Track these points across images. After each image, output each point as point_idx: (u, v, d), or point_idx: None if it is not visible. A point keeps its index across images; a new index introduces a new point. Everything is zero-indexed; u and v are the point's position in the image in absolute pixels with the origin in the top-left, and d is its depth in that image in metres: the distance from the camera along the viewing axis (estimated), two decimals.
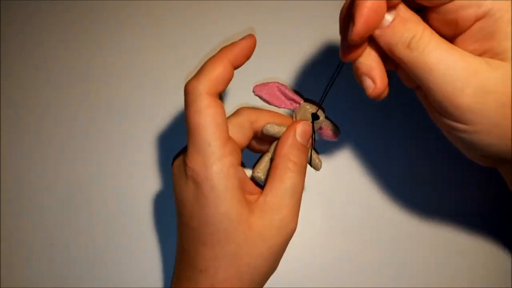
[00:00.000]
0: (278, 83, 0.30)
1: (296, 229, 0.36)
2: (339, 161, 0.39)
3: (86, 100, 0.42)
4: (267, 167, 0.29)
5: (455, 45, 0.22)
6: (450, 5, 0.22)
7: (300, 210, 0.38)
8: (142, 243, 0.37)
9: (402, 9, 0.22)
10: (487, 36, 0.21)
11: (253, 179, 0.29)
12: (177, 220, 0.28)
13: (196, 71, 0.26)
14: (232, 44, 0.27)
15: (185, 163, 0.26)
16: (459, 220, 0.38)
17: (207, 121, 0.25)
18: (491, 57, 0.21)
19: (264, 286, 0.35)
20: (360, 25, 0.21)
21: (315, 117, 0.29)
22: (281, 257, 0.28)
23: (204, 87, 0.25)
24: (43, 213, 0.38)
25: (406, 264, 0.37)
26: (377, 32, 0.22)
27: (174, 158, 0.28)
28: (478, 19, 0.21)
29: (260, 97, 0.30)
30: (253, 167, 0.29)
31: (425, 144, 0.40)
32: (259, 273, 0.26)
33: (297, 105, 0.30)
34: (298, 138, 0.27)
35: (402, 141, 0.40)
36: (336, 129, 0.31)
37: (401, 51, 0.22)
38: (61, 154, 0.40)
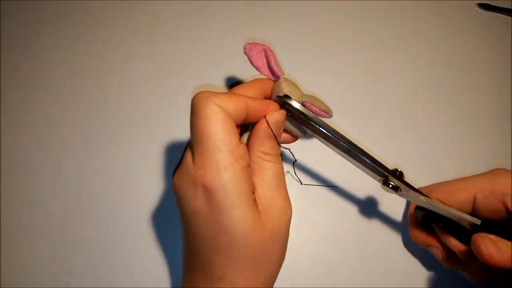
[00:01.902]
0: (267, 47, 0.29)
1: (296, 230, 0.36)
2: (337, 160, 0.39)
3: (87, 101, 0.42)
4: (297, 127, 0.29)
5: None
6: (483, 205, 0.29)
7: (300, 210, 0.38)
8: (142, 243, 0.37)
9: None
10: None
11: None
12: (184, 232, 0.27)
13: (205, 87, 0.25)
14: (256, 99, 0.27)
15: (192, 173, 0.25)
16: None
17: (217, 126, 0.24)
18: None
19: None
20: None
21: (287, 97, 0.28)
22: (287, 243, 0.28)
23: (216, 99, 0.25)
24: (43, 213, 0.38)
25: (406, 264, 0.37)
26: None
27: (174, 171, 0.27)
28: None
29: (248, 57, 0.29)
30: None
31: (425, 143, 0.40)
32: (275, 266, 0.27)
33: (276, 78, 0.29)
34: (272, 128, 0.27)
35: (402, 140, 0.40)
36: (323, 106, 0.29)
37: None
38: (62, 154, 0.40)
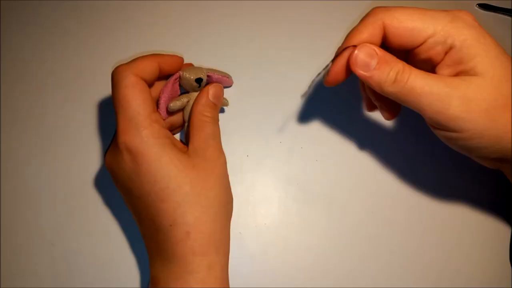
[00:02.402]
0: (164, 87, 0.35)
1: (296, 229, 0.36)
2: (337, 160, 0.39)
3: (88, 100, 0.42)
4: (184, 105, 0.35)
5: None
6: (422, 47, 0.26)
7: (300, 209, 0.38)
8: (142, 243, 0.37)
9: (382, 53, 0.26)
10: (456, 62, 0.26)
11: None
12: (128, 203, 0.30)
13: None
14: (163, 54, 0.32)
15: (118, 142, 0.28)
16: (461, 220, 0.38)
17: (135, 94, 0.28)
18: (464, 75, 0.26)
19: (267, 286, 0.35)
20: (331, 77, 0.29)
21: (199, 81, 0.35)
22: (229, 186, 0.32)
23: (132, 70, 0.28)
24: (43, 213, 0.38)
25: (406, 264, 0.37)
26: (367, 74, 0.26)
27: (104, 155, 0.31)
28: (446, 52, 0.26)
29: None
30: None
31: (427, 142, 0.40)
32: (220, 202, 0.30)
33: (178, 79, 0.35)
34: (211, 98, 0.33)
35: (403, 138, 0.40)
36: (222, 73, 0.38)
37: (390, 86, 0.26)
38: (62, 154, 0.40)
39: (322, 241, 0.37)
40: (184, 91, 0.37)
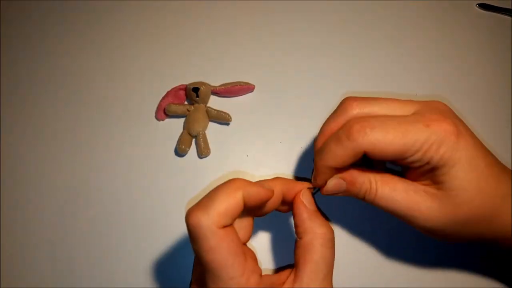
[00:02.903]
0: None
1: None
2: None
3: (88, 100, 0.42)
4: (183, 112, 0.39)
5: (407, 175, 0.28)
6: (400, 161, 0.26)
7: None
8: (142, 243, 0.37)
9: (349, 174, 0.28)
10: (430, 175, 0.26)
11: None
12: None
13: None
14: (249, 181, 0.26)
15: None
16: None
17: (223, 257, 0.23)
18: (433, 185, 0.26)
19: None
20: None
21: (196, 90, 0.38)
22: None
23: (213, 219, 0.23)
24: (43, 213, 0.38)
25: (406, 264, 0.37)
26: (342, 191, 0.29)
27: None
28: (422, 165, 0.26)
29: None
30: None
31: None
32: None
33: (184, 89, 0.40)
34: (309, 206, 0.29)
35: None
36: (237, 83, 0.40)
37: (363, 199, 0.28)
38: (62, 154, 0.40)
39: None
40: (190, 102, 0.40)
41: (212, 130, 0.40)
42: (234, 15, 0.45)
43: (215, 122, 0.40)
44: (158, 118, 0.40)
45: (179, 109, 0.39)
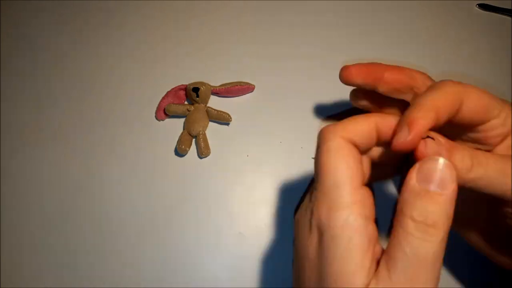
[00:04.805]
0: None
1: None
2: None
3: (88, 100, 0.42)
4: (183, 112, 0.40)
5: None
6: (482, 127, 0.24)
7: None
8: (142, 243, 0.37)
9: (445, 140, 0.23)
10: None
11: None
12: (295, 278, 0.25)
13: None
14: (386, 115, 0.24)
15: (308, 210, 0.23)
16: None
17: (338, 161, 0.22)
18: None
19: (267, 286, 0.35)
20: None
21: (196, 90, 0.38)
22: None
23: (339, 132, 0.23)
24: (43, 213, 0.38)
25: None
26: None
27: (297, 206, 0.25)
28: (504, 137, 0.24)
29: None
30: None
31: None
32: None
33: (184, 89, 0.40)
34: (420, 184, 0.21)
35: None
36: (237, 83, 0.40)
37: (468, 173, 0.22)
38: (62, 154, 0.40)
39: None
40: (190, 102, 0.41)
41: (212, 130, 0.40)
42: (235, 15, 0.45)
43: (215, 122, 0.40)
44: (158, 118, 0.40)
45: (179, 109, 0.39)
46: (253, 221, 0.37)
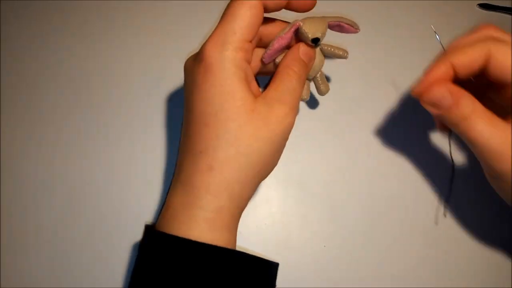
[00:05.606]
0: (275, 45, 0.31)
1: (296, 229, 0.36)
2: (337, 160, 0.39)
3: (88, 100, 0.42)
4: (308, 89, 0.34)
5: None
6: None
7: (300, 209, 0.38)
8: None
9: (456, 89, 0.27)
10: None
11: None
12: (184, 111, 0.29)
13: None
14: None
15: (199, 52, 0.27)
16: (464, 221, 0.38)
17: (243, 12, 0.26)
18: None
19: None
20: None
21: (316, 41, 0.31)
22: (280, 153, 0.29)
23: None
24: (43, 213, 0.38)
25: (407, 263, 0.37)
26: (444, 107, 0.28)
27: (188, 59, 0.29)
28: None
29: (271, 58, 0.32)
30: None
31: (430, 144, 0.40)
32: (259, 158, 0.27)
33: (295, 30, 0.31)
34: (301, 55, 0.30)
35: (405, 139, 0.40)
36: (348, 21, 0.33)
37: (456, 127, 0.27)
38: (62, 154, 0.40)
39: (322, 241, 0.37)
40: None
41: None
42: None
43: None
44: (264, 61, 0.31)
45: None
46: (253, 221, 0.37)
